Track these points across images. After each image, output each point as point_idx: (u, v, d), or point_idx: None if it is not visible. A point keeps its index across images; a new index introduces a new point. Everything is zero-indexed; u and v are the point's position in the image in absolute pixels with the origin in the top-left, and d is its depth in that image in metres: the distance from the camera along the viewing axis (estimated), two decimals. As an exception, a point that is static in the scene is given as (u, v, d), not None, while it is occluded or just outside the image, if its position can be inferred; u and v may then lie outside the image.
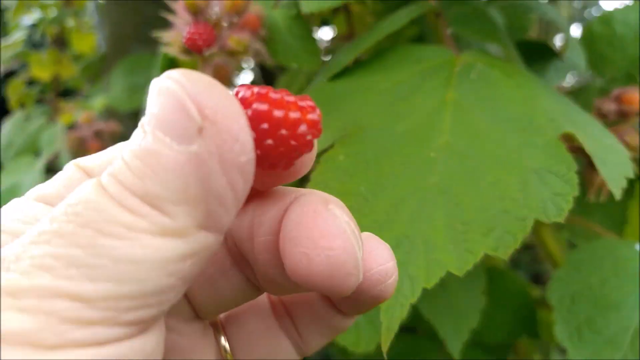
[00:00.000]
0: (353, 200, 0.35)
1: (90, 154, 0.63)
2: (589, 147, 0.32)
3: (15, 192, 0.85)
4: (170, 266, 0.17)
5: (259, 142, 0.20)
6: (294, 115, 0.20)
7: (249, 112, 0.20)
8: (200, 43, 0.45)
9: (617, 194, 0.31)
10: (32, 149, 0.96)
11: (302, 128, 0.20)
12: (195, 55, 0.48)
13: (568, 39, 0.60)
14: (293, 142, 0.20)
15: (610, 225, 0.58)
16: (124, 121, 1.00)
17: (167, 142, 0.17)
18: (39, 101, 1.16)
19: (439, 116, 0.38)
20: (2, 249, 0.17)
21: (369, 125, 0.40)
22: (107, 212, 0.17)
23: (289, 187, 0.24)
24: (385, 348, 0.28)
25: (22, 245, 0.17)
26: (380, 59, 0.47)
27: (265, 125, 0.20)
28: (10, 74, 1.24)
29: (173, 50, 0.48)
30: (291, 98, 0.20)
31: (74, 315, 0.16)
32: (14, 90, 1.14)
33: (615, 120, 0.50)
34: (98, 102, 0.97)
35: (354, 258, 0.20)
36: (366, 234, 0.23)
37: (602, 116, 0.49)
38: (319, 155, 0.39)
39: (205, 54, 0.46)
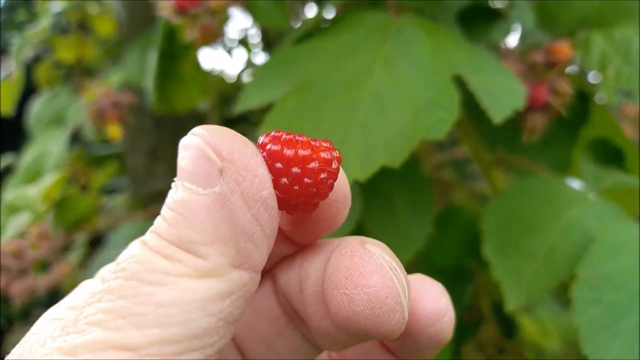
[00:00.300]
0: (297, 132, 0.44)
1: (108, 122, 0.75)
2: (474, 85, 0.40)
3: (43, 159, 0.97)
4: (210, 306, 0.18)
5: (276, 181, 0.20)
6: (303, 152, 0.21)
7: (264, 153, 0.21)
8: (186, 5, 0.55)
9: (496, 119, 0.40)
10: (59, 122, 1.07)
11: (314, 165, 0.21)
12: (184, 16, 0.57)
13: (513, 1, 0.67)
14: (307, 180, 0.21)
15: (556, 166, 0.66)
16: (140, 95, 1.10)
17: (194, 189, 0.19)
18: (65, 81, 1.28)
19: (372, 68, 0.47)
20: (63, 321, 0.18)
21: (316, 78, 0.48)
22: (148, 263, 0.18)
23: (331, 238, 0.24)
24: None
25: (78, 309, 0.18)
26: (335, 24, 0.55)
27: (278, 165, 0.21)
28: (36, 60, 1.35)
29: (166, 14, 0.57)
30: (303, 138, 0.21)
31: None
32: (43, 72, 1.25)
33: (544, 70, 0.57)
34: (115, 77, 1.08)
35: (395, 294, 0.21)
36: (415, 274, 0.24)
37: (532, 67, 0.57)
38: (273, 103, 0.48)
39: (192, 14, 0.56)
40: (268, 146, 0.21)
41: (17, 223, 0.84)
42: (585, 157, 0.61)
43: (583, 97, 0.65)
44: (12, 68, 1.23)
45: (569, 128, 0.64)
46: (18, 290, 0.78)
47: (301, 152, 0.21)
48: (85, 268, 1.23)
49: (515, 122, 0.61)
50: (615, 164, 0.65)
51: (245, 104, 0.50)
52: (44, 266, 0.89)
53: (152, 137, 1.19)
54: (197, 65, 0.75)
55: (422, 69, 0.43)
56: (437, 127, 0.38)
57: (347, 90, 0.45)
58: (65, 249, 1.07)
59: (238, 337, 0.25)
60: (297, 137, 0.21)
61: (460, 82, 0.44)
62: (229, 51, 1.58)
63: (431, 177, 0.81)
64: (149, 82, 0.77)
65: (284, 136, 0.21)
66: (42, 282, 0.82)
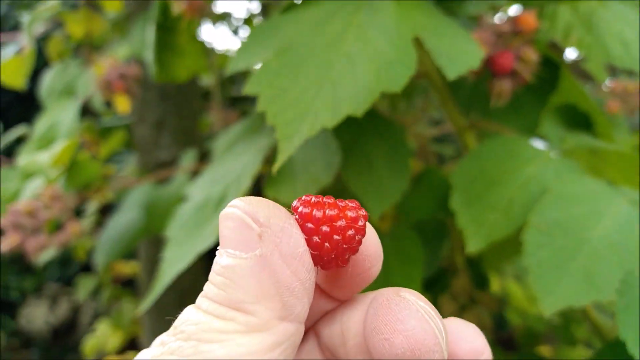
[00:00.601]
0: (277, 90, 0.49)
1: (115, 93, 0.81)
2: (430, 45, 0.46)
3: (55, 128, 1.03)
4: (262, 358, 0.20)
5: (309, 240, 0.23)
6: (331, 212, 0.23)
7: (296, 215, 0.23)
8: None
9: (450, 76, 0.45)
10: (70, 93, 1.13)
11: (341, 223, 0.23)
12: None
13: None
14: (336, 237, 0.23)
15: (525, 130, 0.71)
16: (146, 68, 1.16)
17: (237, 254, 0.21)
18: (75, 55, 1.34)
19: (345, 33, 0.52)
20: None
21: (297, 42, 0.54)
22: (203, 324, 0.20)
23: (368, 292, 0.26)
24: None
25: None
26: (317, -5, 0.60)
27: (309, 225, 0.23)
28: (46, 37, 1.41)
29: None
30: (330, 200, 0.24)
31: None
32: (54, 46, 1.31)
33: (511, 38, 0.62)
34: (122, 51, 1.13)
35: (432, 335, 0.22)
36: (451, 318, 0.25)
37: (499, 35, 0.61)
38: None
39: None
40: (299, 209, 0.23)
41: (32, 186, 0.91)
42: (551, 120, 0.66)
43: (553, 65, 0.70)
44: (25, 43, 1.29)
45: (538, 94, 0.69)
46: (32, 246, 0.84)
47: (329, 212, 0.23)
48: (97, 233, 1.30)
49: (487, 90, 0.66)
50: (582, 129, 0.70)
51: (234, 66, 0.56)
52: (57, 227, 0.95)
53: (157, 110, 1.25)
54: (192, 36, 0.80)
55: (388, 33, 0.48)
56: (396, 81, 0.43)
57: (323, 52, 0.50)
58: (78, 214, 1.14)
59: None
60: (325, 199, 0.23)
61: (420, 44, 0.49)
62: (235, 30, 1.62)
63: (422, 149, 0.87)
64: (149, 53, 0.83)
65: (313, 199, 0.23)
66: (55, 240, 0.88)
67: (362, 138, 0.63)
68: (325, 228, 0.23)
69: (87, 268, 2.41)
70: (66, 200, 0.89)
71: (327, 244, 0.23)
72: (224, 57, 1.46)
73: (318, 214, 0.23)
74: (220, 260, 0.21)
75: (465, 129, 0.68)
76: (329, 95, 0.46)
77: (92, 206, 1.46)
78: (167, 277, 0.59)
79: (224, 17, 1.51)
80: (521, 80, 0.63)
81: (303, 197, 0.24)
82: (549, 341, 1.28)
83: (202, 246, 0.58)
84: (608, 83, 1.15)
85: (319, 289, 0.27)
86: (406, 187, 0.63)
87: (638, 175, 0.65)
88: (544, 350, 1.24)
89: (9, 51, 1.35)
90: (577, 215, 0.54)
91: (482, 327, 0.73)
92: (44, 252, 1.29)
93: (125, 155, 1.59)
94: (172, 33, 0.77)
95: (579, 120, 0.70)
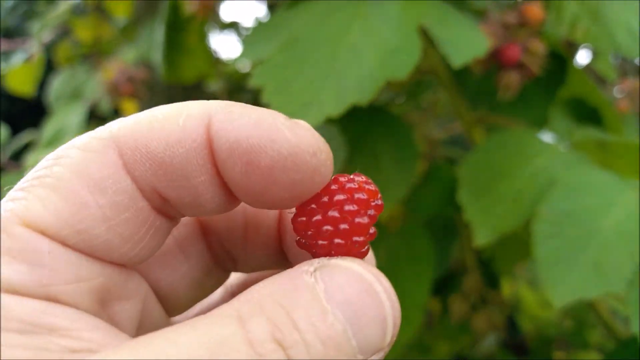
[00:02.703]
0: (281, 82, 0.49)
1: (123, 96, 0.81)
2: (435, 33, 0.45)
3: (63, 131, 1.04)
4: None
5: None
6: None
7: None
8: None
9: (455, 64, 0.45)
10: (78, 97, 1.14)
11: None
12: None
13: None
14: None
15: (533, 124, 0.70)
16: (153, 71, 1.17)
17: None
18: (83, 60, 1.35)
19: (351, 25, 0.52)
20: None
21: (301, 36, 0.53)
22: None
23: None
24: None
25: None
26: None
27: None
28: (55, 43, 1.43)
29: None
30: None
31: None
32: (63, 51, 1.33)
33: (516, 30, 0.61)
34: (130, 54, 1.14)
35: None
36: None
37: (506, 27, 0.61)
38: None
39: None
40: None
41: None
42: (559, 114, 0.65)
43: (561, 60, 0.69)
44: (34, 49, 1.30)
45: (546, 88, 0.68)
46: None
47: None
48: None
49: (495, 84, 0.65)
50: (591, 123, 0.69)
51: (239, 60, 0.56)
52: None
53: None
54: (202, 37, 0.81)
55: (393, 23, 0.48)
56: (401, 69, 0.43)
57: (328, 44, 0.50)
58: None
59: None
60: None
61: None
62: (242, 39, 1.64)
63: (431, 151, 0.86)
64: (157, 54, 0.83)
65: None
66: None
67: (368, 133, 0.62)
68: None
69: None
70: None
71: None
72: (231, 66, 1.47)
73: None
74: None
75: (473, 123, 0.67)
76: (333, 85, 0.45)
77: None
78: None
79: (232, 26, 1.52)
80: (529, 73, 0.62)
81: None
82: (562, 347, 1.26)
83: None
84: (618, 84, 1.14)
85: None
86: (412, 183, 0.62)
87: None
88: (558, 355, 1.22)
89: (18, 58, 1.37)
90: (586, 206, 0.53)
91: (494, 327, 0.72)
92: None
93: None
94: (182, 33, 0.77)
95: (587, 114, 0.69)
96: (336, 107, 0.43)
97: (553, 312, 1.30)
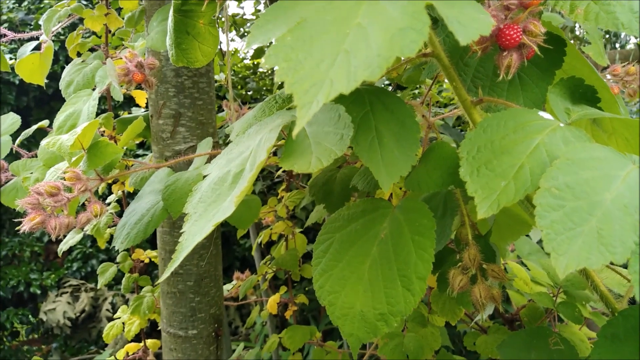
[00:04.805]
0: (292, 62, 0.52)
1: (133, 82, 0.84)
2: (442, 12, 0.48)
3: (75, 117, 1.07)
4: None
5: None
6: None
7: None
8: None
9: (463, 41, 0.47)
10: (89, 85, 1.17)
11: None
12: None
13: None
14: None
15: (531, 105, 0.72)
16: (161, 59, 1.19)
17: None
18: (92, 49, 1.38)
19: (358, 8, 0.54)
20: None
21: (309, 17, 0.56)
22: None
23: None
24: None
25: None
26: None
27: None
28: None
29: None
30: None
31: None
32: (72, 41, 1.35)
33: (516, 13, 0.64)
34: (139, 44, 1.16)
35: None
36: None
37: (507, 9, 0.63)
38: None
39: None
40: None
41: (55, 169, 0.94)
42: (557, 94, 0.67)
43: (559, 42, 0.71)
44: (43, 40, 1.33)
45: (544, 70, 0.70)
46: (53, 226, 0.87)
47: None
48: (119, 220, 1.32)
49: (493, 67, 0.67)
50: (589, 104, 0.72)
51: (250, 43, 0.58)
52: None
53: (174, 104, 1.28)
54: (210, 21, 0.83)
55: (401, 3, 0.50)
56: (409, 47, 0.45)
57: (336, 25, 0.53)
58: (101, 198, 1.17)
59: None
60: None
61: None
62: (242, 35, 1.66)
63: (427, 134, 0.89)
64: (167, 39, 0.85)
65: None
66: (76, 220, 0.90)
67: (372, 113, 0.65)
68: None
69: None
70: (87, 181, 0.92)
71: None
72: (235, 57, 1.49)
73: None
74: None
75: (473, 105, 0.70)
76: (343, 64, 0.48)
77: (112, 197, 1.49)
78: (187, 248, 0.61)
79: (245, 23, 1.54)
80: (528, 53, 0.65)
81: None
82: (553, 321, 1.30)
83: (220, 218, 0.60)
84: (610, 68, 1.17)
85: None
86: (414, 162, 0.65)
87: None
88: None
89: (27, 48, 1.39)
90: (588, 178, 0.55)
91: (492, 299, 0.75)
92: (69, 238, 1.32)
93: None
94: (190, 17, 0.80)
95: (585, 94, 0.72)
96: (347, 85, 0.46)
97: (543, 288, 1.34)
